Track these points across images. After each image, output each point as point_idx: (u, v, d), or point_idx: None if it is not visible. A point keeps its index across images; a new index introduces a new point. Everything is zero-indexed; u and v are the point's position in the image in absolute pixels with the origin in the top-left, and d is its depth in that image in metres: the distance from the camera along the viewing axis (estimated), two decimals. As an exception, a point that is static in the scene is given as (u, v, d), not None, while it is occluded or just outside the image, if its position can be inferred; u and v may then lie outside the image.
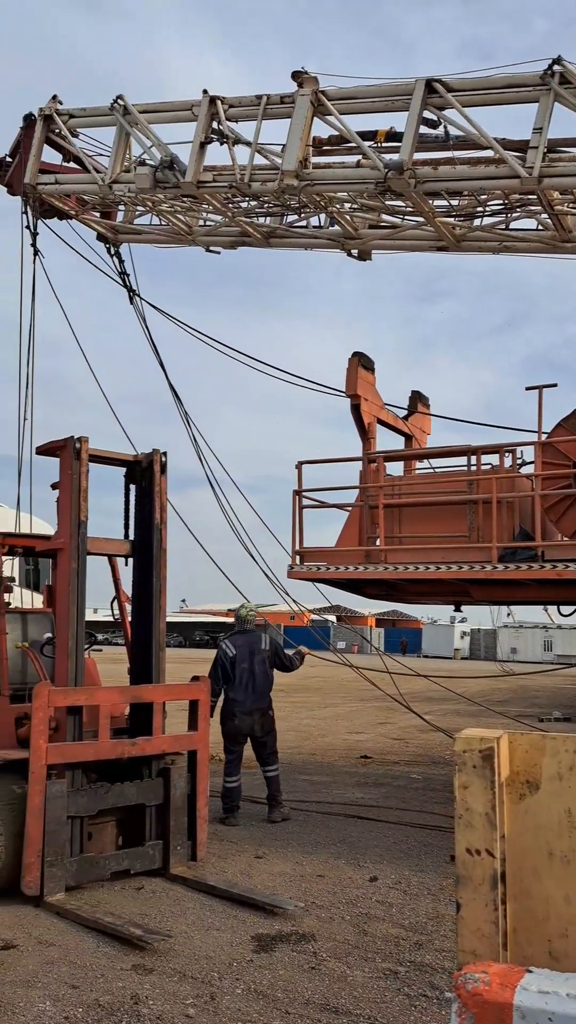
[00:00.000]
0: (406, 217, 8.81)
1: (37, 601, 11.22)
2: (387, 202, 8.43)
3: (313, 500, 10.20)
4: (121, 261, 10.85)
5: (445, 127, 7.62)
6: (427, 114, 7.59)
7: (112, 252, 10.82)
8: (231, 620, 9.33)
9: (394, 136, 7.82)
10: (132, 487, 7.22)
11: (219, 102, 8.42)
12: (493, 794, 2.86)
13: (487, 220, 8.53)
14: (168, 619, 7.43)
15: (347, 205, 8.80)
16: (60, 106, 9.70)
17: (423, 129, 7.62)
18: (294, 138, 7.97)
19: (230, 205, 9.04)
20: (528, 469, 8.99)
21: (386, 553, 9.42)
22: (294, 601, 10.74)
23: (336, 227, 9.21)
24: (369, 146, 7.89)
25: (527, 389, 8.79)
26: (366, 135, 7.97)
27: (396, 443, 11.00)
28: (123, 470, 7.24)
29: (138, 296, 10.83)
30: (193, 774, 6.85)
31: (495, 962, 2.68)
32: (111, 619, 7.78)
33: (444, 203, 8.49)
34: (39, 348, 10.17)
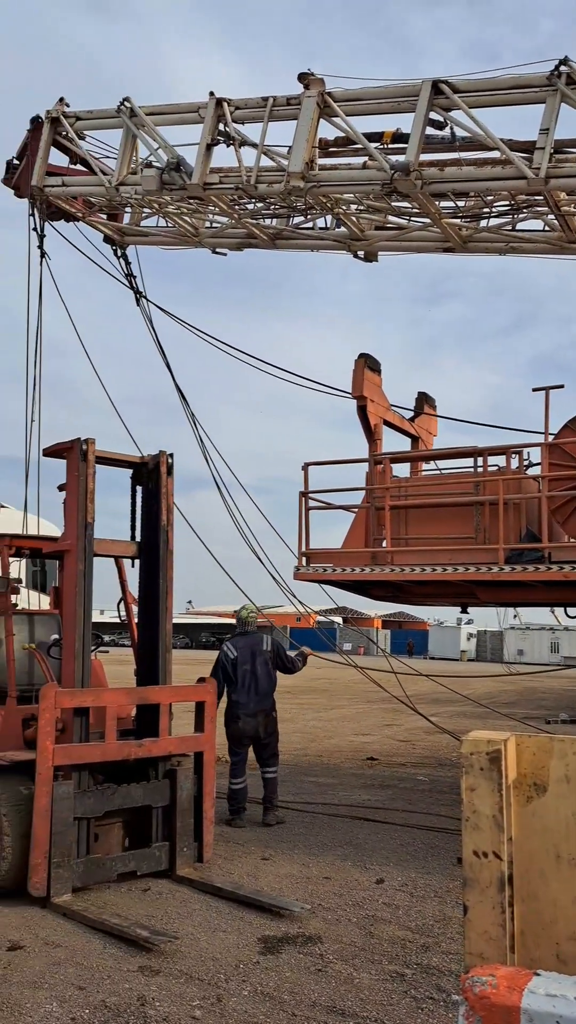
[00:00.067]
0: (412, 218, 8.80)
1: (44, 603, 11.24)
2: (393, 203, 8.43)
3: (319, 502, 10.19)
4: (128, 263, 10.88)
5: (451, 128, 7.61)
6: (433, 115, 7.58)
7: (119, 254, 10.84)
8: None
9: (400, 137, 7.82)
10: (139, 489, 7.22)
11: (225, 104, 8.43)
12: (500, 796, 2.85)
13: (493, 221, 8.52)
14: (174, 620, 7.42)
15: (353, 206, 8.80)
16: (67, 108, 9.73)
17: (429, 130, 7.62)
18: (300, 140, 7.97)
19: (236, 207, 9.05)
20: (535, 470, 8.98)
21: (392, 555, 9.41)
22: (300, 603, 10.74)
23: (342, 228, 9.22)
24: (375, 147, 7.89)
25: (534, 390, 8.79)
26: (372, 136, 7.97)
27: (402, 444, 11.00)
28: (130, 472, 7.24)
29: (144, 298, 10.85)
30: (199, 775, 6.85)
31: (502, 965, 2.67)
32: (118, 620, 7.79)
33: (450, 204, 8.48)
34: (46, 350, 10.19)
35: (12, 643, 7.10)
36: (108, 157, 9.56)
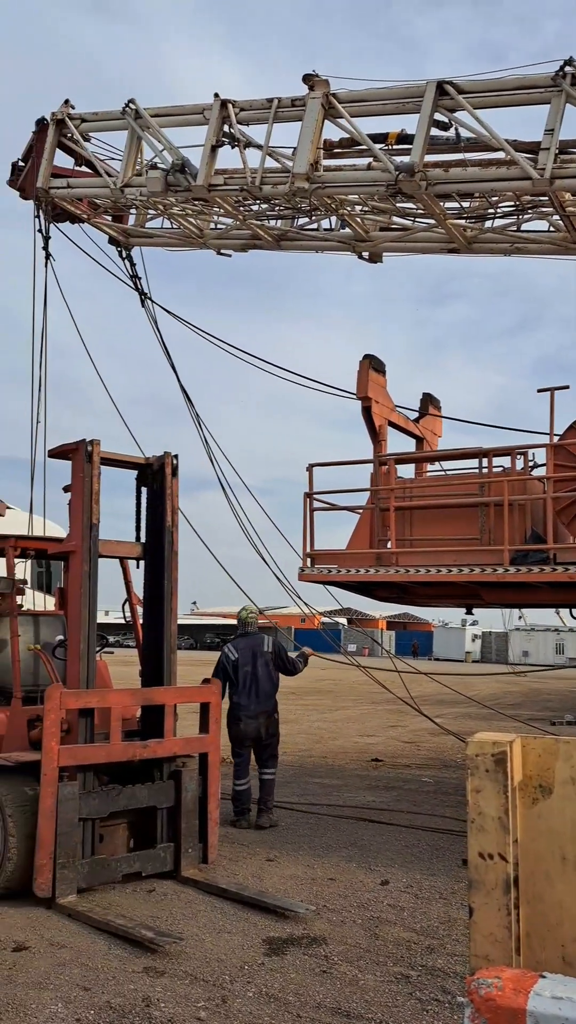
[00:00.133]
0: (417, 219, 8.81)
1: (49, 603, 11.26)
2: (398, 204, 8.43)
3: (324, 503, 10.19)
4: (132, 264, 10.90)
5: (456, 129, 7.61)
6: (438, 116, 7.58)
7: (123, 255, 10.86)
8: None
9: (405, 138, 7.81)
10: (143, 490, 7.23)
11: (230, 105, 8.44)
12: (506, 798, 2.85)
13: (498, 222, 8.51)
14: (179, 621, 7.43)
15: (358, 207, 8.80)
16: (72, 110, 9.75)
17: (434, 131, 7.61)
18: (305, 141, 7.97)
19: (241, 208, 9.05)
20: (540, 471, 8.96)
21: (397, 556, 9.40)
22: (305, 604, 10.74)
23: (347, 230, 9.21)
24: (380, 148, 7.89)
25: (539, 391, 8.77)
26: (377, 137, 7.97)
27: (407, 445, 10.99)
28: (135, 473, 7.25)
29: (149, 299, 10.87)
30: (204, 776, 6.85)
31: (508, 967, 2.67)
32: (122, 621, 7.79)
33: (455, 205, 8.48)
34: (51, 351, 10.22)
35: (17, 644, 7.11)
36: (113, 159, 9.58)
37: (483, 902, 2.85)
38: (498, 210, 8.41)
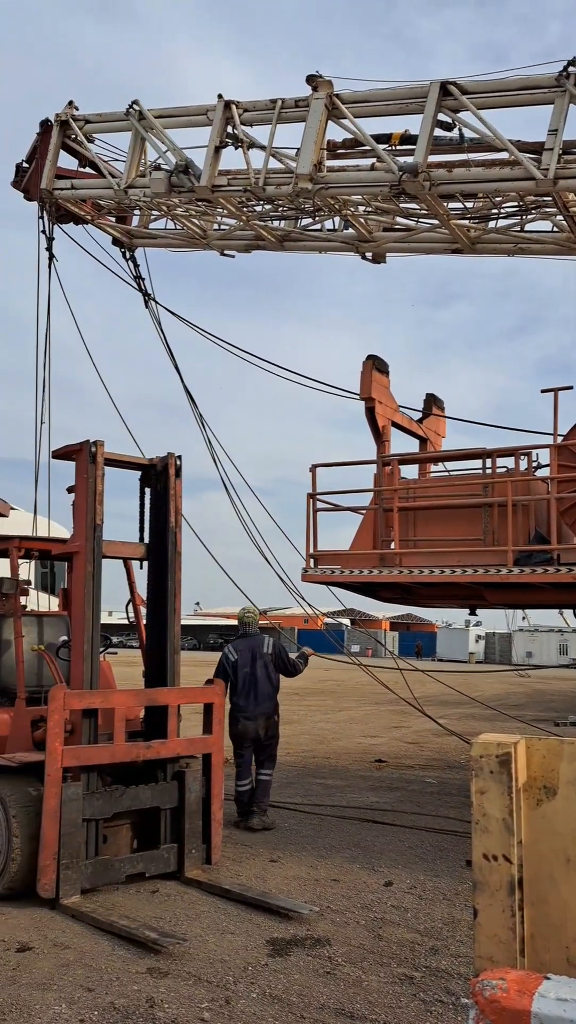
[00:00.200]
0: (420, 220, 8.80)
1: (53, 604, 11.27)
2: (401, 205, 8.43)
3: (327, 503, 10.19)
4: (136, 265, 10.91)
5: (460, 129, 7.61)
6: (442, 116, 7.58)
7: (127, 256, 10.87)
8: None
9: (409, 139, 7.81)
10: (147, 491, 7.23)
11: (234, 106, 8.44)
12: (510, 799, 2.84)
13: (502, 222, 8.51)
14: (183, 622, 7.43)
15: (361, 208, 8.80)
16: (76, 112, 9.77)
17: (438, 132, 7.61)
18: (308, 141, 7.98)
19: (244, 209, 9.06)
20: (544, 472, 8.96)
21: (401, 556, 9.40)
22: (308, 604, 10.74)
23: (350, 230, 9.22)
24: (383, 149, 7.89)
25: (542, 391, 8.76)
26: (380, 138, 7.97)
27: (411, 446, 10.99)
28: (138, 474, 7.25)
29: (153, 300, 10.88)
30: (208, 777, 6.85)
31: (512, 969, 2.67)
32: (126, 622, 7.79)
33: (459, 205, 8.47)
34: (56, 353, 10.23)
35: (21, 644, 7.11)
36: (117, 160, 9.59)
37: (487, 903, 2.84)
38: (501, 210, 8.40)
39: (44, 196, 9.92)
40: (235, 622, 9.25)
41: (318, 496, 10.01)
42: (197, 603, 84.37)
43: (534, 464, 9.08)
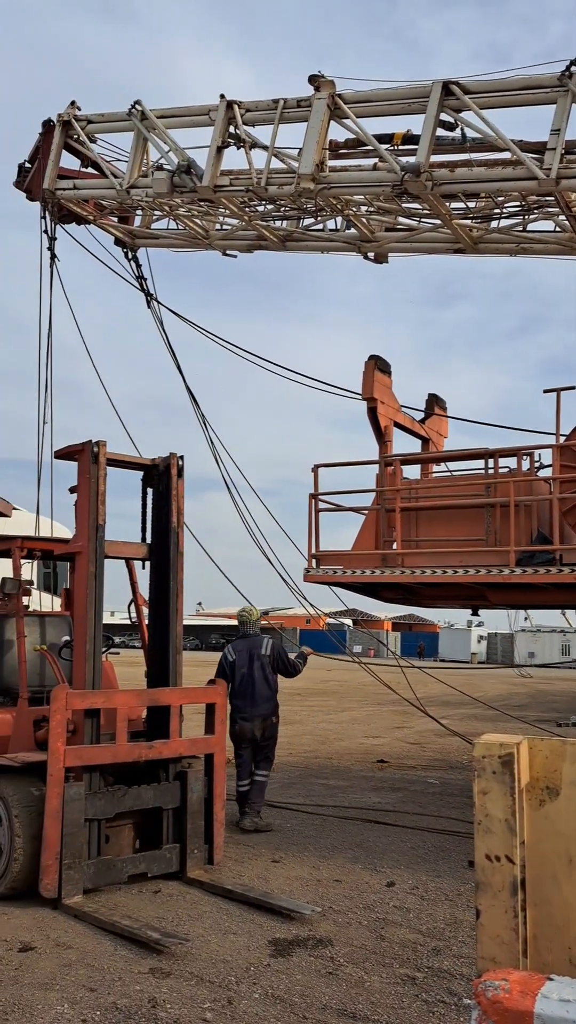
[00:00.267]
0: (423, 220, 8.80)
1: (55, 604, 11.27)
2: (404, 205, 8.43)
3: (329, 503, 10.18)
4: (138, 265, 10.92)
5: (462, 129, 7.61)
6: (444, 116, 7.58)
7: (129, 256, 10.88)
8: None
9: (411, 139, 7.81)
10: (149, 491, 7.23)
11: (236, 106, 8.45)
12: (513, 800, 2.84)
13: (504, 222, 8.50)
14: (185, 622, 7.42)
15: (363, 208, 8.80)
16: (78, 112, 9.77)
17: (440, 131, 7.61)
18: (310, 141, 7.98)
19: (247, 209, 9.06)
20: (546, 472, 8.95)
21: (403, 557, 9.39)
22: (311, 605, 10.73)
23: (352, 230, 9.21)
24: (386, 149, 7.89)
25: (545, 392, 8.76)
26: (383, 138, 7.97)
27: (413, 446, 10.98)
28: (140, 474, 7.26)
29: (156, 300, 10.88)
30: (210, 777, 6.85)
31: (515, 969, 2.66)
32: (128, 622, 7.79)
33: (461, 205, 8.47)
34: (58, 353, 10.24)
35: (24, 644, 7.12)
36: (119, 160, 9.60)
37: (490, 904, 2.84)
38: (504, 210, 8.40)
39: (46, 196, 9.93)
40: (237, 622, 9.22)
41: (320, 496, 10.00)
42: (199, 603, 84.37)
43: (536, 464, 9.07)
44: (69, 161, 9.98)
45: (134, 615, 7.78)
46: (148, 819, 6.65)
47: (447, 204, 8.18)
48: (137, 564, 7.53)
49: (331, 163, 8.22)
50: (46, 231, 10.24)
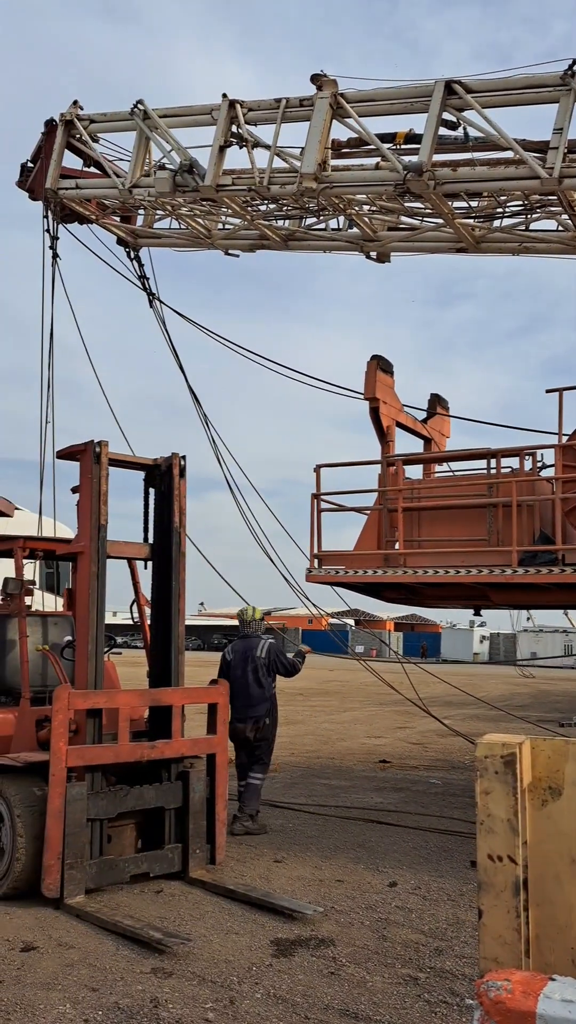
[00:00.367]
0: (425, 219, 8.79)
1: (57, 604, 11.27)
2: (406, 204, 8.41)
3: (331, 503, 10.18)
4: (141, 265, 10.92)
5: (464, 128, 7.60)
6: (446, 116, 7.57)
7: (132, 256, 10.88)
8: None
9: (413, 138, 7.81)
10: (151, 491, 7.23)
11: (238, 106, 8.44)
12: (515, 800, 2.83)
13: (507, 221, 8.49)
14: (187, 622, 7.42)
15: (366, 207, 8.79)
16: (81, 111, 9.77)
17: (442, 131, 7.60)
18: (313, 141, 7.97)
19: (249, 208, 9.05)
20: (548, 472, 8.94)
21: (405, 557, 9.38)
22: (313, 604, 10.73)
23: (355, 229, 9.20)
24: (388, 148, 7.88)
25: (547, 392, 8.75)
26: (385, 137, 7.96)
27: (415, 446, 10.97)
28: (142, 474, 7.25)
29: (158, 299, 10.88)
30: (212, 777, 6.85)
31: (517, 970, 2.66)
32: (130, 622, 7.80)
33: (463, 204, 8.46)
34: (61, 353, 10.23)
35: (26, 644, 7.12)
36: (122, 160, 9.60)
37: (492, 904, 2.83)
38: (506, 209, 8.39)
39: (49, 196, 9.93)
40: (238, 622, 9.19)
41: (322, 496, 10.00)
42: (201, 603, 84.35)
43: (539, 464, 9.06)
44: (71, 161, 9.98)
45: (136, 615, 7.78)
46: (150, 819, 6.65)
47: (449, 203, 8.18)
48: (139, 564, 7.53)
49: (333, 162, 8.22)
50: (48, 230, 10.24)
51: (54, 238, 10.24)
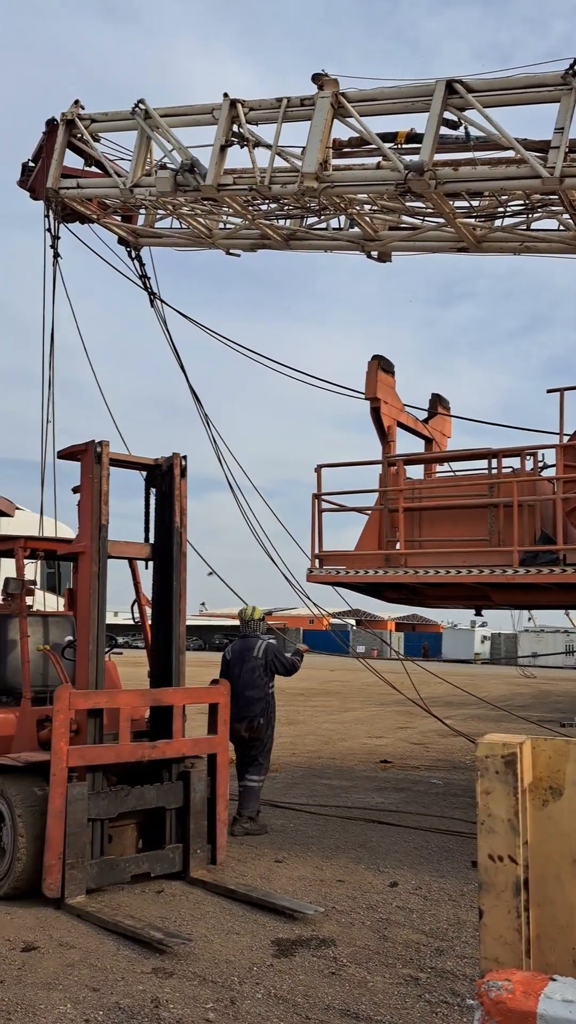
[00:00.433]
0: (426, 218, 8.79)
1: (59, 604, 11.26)
2: (407, 203, 8.41)
3: (332, 503, 10.17)
4: (142, 264, 10.92)
5: (466, 128, 7.59)
6: (447, 115, 7.56)
7: (133, 255, 10.88)
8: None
9: (414, 137, 7.80)
10: (152, 491, 7.23)
11: (239, 105, 8.44)
12: (516, 800, 2.83)
13: (508, 221, 8.49)
14: (188, 622, 7.41)
15: (367, 207, 8.79)
16: (82, 111, 9.77)
17: (443, 130, 7.60)
18: (314, 140, 7.97)
19: (250, 208, 9.05)
20: (549, 472, 8.93)
21: (406, 557, 9.38)
22: (314, 604, 10.73)
23: (356, 229, 9.21)
24: (389, 147, 7.87)
25: (548, 392, 8.75)
26: (386, 136, 7.96)
27: (416, 446, 10.97)
28: (143, 474, 7.25)
29: (159, 299, 10.88)
30: (213, 777, 6.85)
31: (518, 970, 2.65)
32: (131, 622, 7.80)
33: (465, 204, 8.46)
34: (62, 353, 10.24)
35: (27, 644, 7.12)
36: (123, 159, 9.60)
37: (493, 904, 2.83)
38: (507, 209, 8.38)
39: (50, 195, 9.93)
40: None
41: (323, 496, 10.00)
42: (202, 603, 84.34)
43: (540, 464, 9.05)
44: (73, 160, 9.98)
45: (137, 615, 7.77)
46: (151, 819, 6.65)
47: (451, 203, 8.17)
48: (140, 564, 7.53)
49: (335, 162, 8.21)
50: (49, 230, 10.25)
51: (55, 237, 10.24)
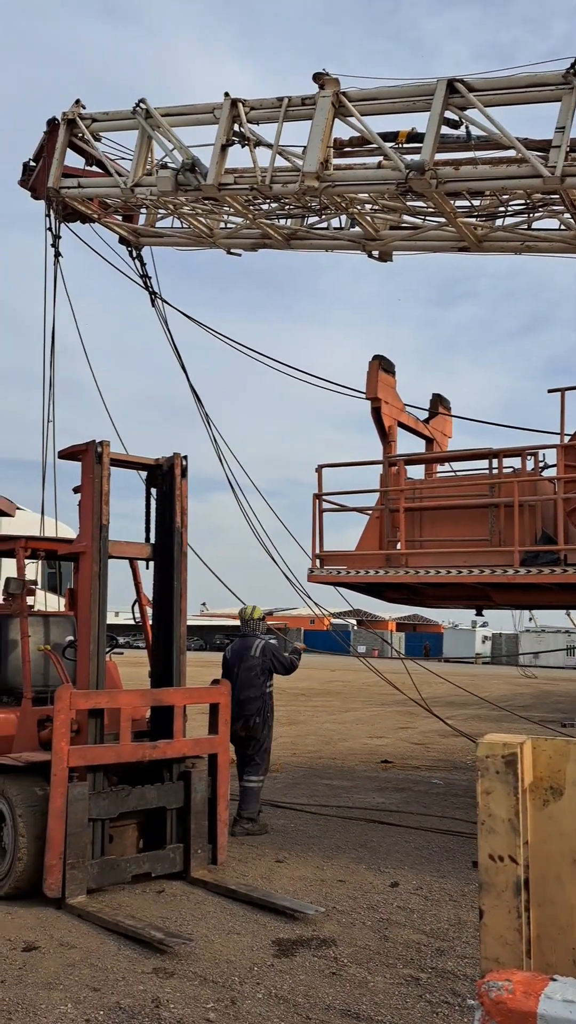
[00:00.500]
0: (427, 218, 8.78)
1: (59, 604, 11.27)
2: (408, 203, 8.40)
3: (333, 504, 10.17)
4: (143, 264, 10.92)
5: (467, 127, 7.58)
6: (449, 114, 7.56)
7: (134, 255, 10.88)
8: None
9: (415, 137, 7.80)
10: (153, 491, 7.23)
11: (240, 104, 8.44)
12: (516, 800, 2.83)
13: (509, 220, 8.48)
14: (188, 622, 7.41)
15: (368, 206, 8.79)
16: (83, 110, 9.77)
17: (445, 129, 7.59)
18: (315, 139, 7.96)
19: (251, 207, 9.05)
20: (550, 472, 8.92)
21: (407, 557, 9.37)
22: (315, 604, 10.72)
23: (357, 228, 9.20)
24: (390, 147, 7.87)
25: (549, 391, 8.74)
26: (387, 136, 7.95)
27: (417, 446, 10.96)
28: (144, 474, 7.25)
29: (160, 298, 10.88)
30: (214, 777, 6.84)
31: (519, 970, 2.65)
32: (132, 622, 7.79)
33: (466, 203, 8.45)
34: (63, 353, 10.24)
35: (27, 644, 7.12)
36: (124, 159, 9.60)
37: (493, 904, 2.83)
38: (508, 208, 8.38)
39: (51, 194, 9.93)
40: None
41: (324, 496, 9.99)
42: (203, 603, 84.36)
43: (540, 464, 9.05)
44: (73, 160, 9.98)
45: (138, 615, 7.77)
46: (152, 819, 6.65)
47: (452, 202, 8.17)
48: (141, 564, 7.53)
49: (335, 161, 8.21)
50: (50, 229, 10.25)
51: (56, 237, 10.25)
